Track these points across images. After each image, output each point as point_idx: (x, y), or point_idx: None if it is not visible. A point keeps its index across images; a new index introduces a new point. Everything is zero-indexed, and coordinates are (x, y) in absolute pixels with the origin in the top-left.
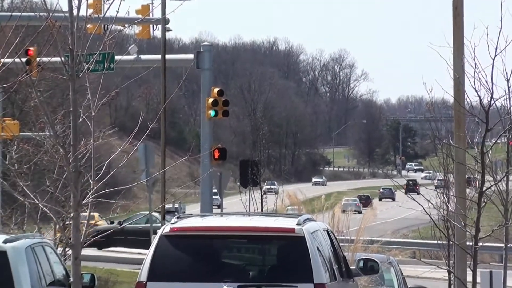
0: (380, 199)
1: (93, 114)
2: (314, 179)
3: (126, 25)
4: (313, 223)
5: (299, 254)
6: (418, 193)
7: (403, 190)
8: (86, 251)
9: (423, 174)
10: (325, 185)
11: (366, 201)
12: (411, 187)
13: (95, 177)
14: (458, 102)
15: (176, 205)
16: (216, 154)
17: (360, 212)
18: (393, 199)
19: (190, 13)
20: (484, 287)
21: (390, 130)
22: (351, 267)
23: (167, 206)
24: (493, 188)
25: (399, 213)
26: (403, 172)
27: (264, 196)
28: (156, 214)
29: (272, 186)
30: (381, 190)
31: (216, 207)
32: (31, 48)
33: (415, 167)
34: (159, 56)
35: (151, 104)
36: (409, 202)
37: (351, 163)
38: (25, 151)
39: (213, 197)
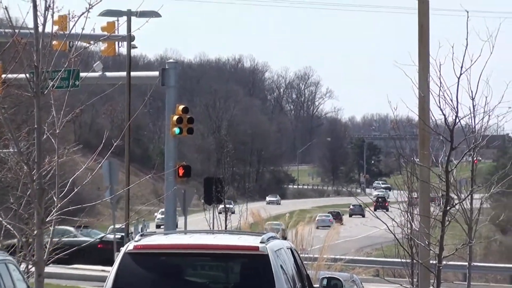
0: (350, 215)
1: (57, 131)
2: (268, 198)
3: (92, 42)
4: (277, 241)
5: (262, 272)
6: (387, 210)
7: (368, 209)
8: (49, 269)
9: (375, 193)
10: (279, 203)
11: (336, 217)
12: (380, 204)
13: (59, 194)
14: (422, 121)
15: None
16: (181, 171)
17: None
18: (363, 216)
19: (155, 30)
20: None
21: (354, 148)
22: (315, 286)
23: (159, 216)
24: (457, 206)
25: (363, 231)
26: (368, 190)
27: (220, 214)
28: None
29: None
30: (351, 207)
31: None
32: None
33: (383, 185)
34: (124, 73)
35: (115, 121)
36: (374, 221)
37: (316, 181)
38: None
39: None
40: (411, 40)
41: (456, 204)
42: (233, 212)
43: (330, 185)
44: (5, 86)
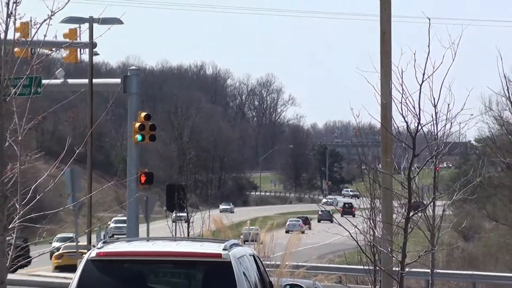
0: (319, 221)
1: (19, 138)
2: (221, 206)
3: (54, 49)
4: (239, 248)
5: (225, 280)
6: (354, 216)
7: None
8: (12, 276)
9: (324, 200)
10: (233, 212)
11: (304, 222)
12: (347, 210)
13: (21, 202)
14: (385, 128)
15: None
16: (143, 178)
17: (303, 232)
18: (331, 221)
19: (117, 37)
20: None
21: (316, 155)
22: None
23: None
24: (419, 213)
25: (326, 238)
26: (331, 197)
27: (173, 223)
28: None
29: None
30: (319, 212)
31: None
32: None
33: (351, 193)
34: (86, 80)
35: (78, 128)
36: (337, 227)
37: (278, 187)
38: None
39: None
40: (373, 46)
41: (418, 211)
42: (186, 221)
43: (293, 192)
44: None
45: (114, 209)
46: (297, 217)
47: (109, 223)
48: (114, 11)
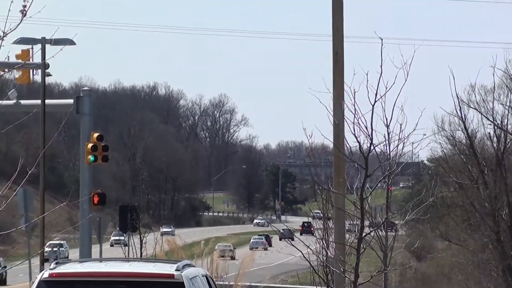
0: (280, 239)
1: None
2: (162, 229)
3: (6, 70)
4: (192, 269)
5: None
6: (313, 234)
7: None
8: None
9: (255, 221)
10: (174, 235)
11: (267, 239)
12: (306, 229)
13: None
14: (337, 148)
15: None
16: (96, 199)
17: (266, 249)
18: (292, 239)
19: (70, 58)
20: None
21: (269, 175)
22: None
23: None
24: (372, 233)
25: (279, 258)
26: (283, 217)
27: (112, 247)
28: None
29: (120, 238)
30: (281, 231)
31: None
32: None
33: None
34: (39, 101)
35: (30, 149)
36: (289, 248)
37: (231, 208)
38: None
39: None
40: (326, 67)
41: (371, 231)
42: (125, 245)
43: (246, 212)
44: None
45: (67, 230)
46: (259, 235)
47: (45, 247)
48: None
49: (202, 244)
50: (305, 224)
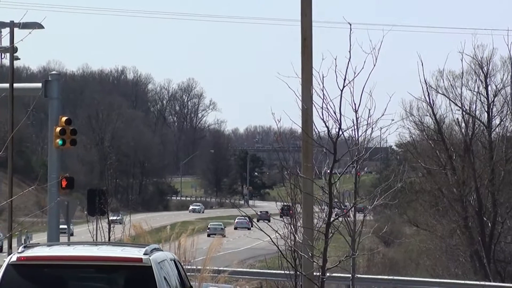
0: (258, 220)
1: None
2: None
3: None
4: (160, 253)
5: (146, 284)
6: (269, 220)
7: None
8: None
9: (191, 207)
10: (121, 223)
11: (251, 221)
12: (263, 216)
13: None
14: (306, 133)
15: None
16: (64, 183)
17: (249, 229)
18: (269, 220)
19: (38, 41)
20: None
21: (238, 160)
22: None
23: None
24: (340, 218)
25: (247, 243)
26: (251, 202)
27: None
28: None
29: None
30: (259, 213)
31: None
32: None
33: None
34: (7, 85)
35: None
36: (257, 232)
37: (199, 192)
38: None
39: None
40: (294, 51)
41: (339, 216)
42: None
43: (214, 197)
44: None
45: (35, 214)
46: (243, 215)
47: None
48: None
49: (168, 228)
50: (261, 211)
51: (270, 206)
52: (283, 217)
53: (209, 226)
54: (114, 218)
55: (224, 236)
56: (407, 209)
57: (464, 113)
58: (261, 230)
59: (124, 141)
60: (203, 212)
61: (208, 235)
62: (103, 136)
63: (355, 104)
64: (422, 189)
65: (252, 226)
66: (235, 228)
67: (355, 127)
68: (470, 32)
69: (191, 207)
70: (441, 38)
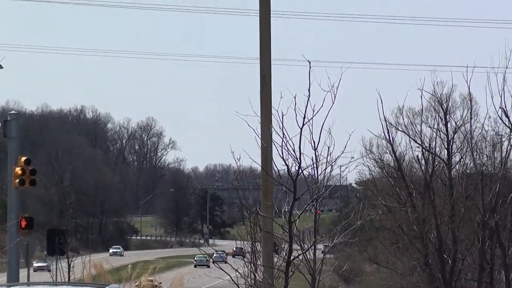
0: (233, 256)
1: None
2: (35, 264)
3: None
4: None
5: None
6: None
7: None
8: None
9: (111, 250)
10: (49, 270)
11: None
12: (238, 252)
13: None
14: (265, 171)
15: None
16: (23, 223)
17: (209, 266)
18: (244, 256)
19: None
20: None
21: (197, 198)
22: None
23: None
24: (300, 257)
25: (208, 281)
26: (211, 241)
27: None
28: None
29: (43, 264)
30: (234, 249)
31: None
32: None
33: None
34: None
35: None
36: (218, 271)
37: (159, 231)
38: None
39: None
40: (253, 90)
41: (299, 255)
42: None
43: (174, 236)
44: None
45: None
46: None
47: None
48: None
49: (129, 268)
50: (237, 247)
51: (230, 245)
52: (235, 257)
53: (195, 259)
54: (41, 264)
55: (209, 266)
56: (367, 246)
57: (424, 150)
58: (221, 269)
59: (84, 180)
60: (122, 255)
61: (195, 266)
62: (62, 175)
63: (314, 142)
64: (382, 227)
65: (211, 265)
66: (195, 266)
67: (315, 165)
68: (429, 69)
69: (111, 250)
70: (400, 74)
